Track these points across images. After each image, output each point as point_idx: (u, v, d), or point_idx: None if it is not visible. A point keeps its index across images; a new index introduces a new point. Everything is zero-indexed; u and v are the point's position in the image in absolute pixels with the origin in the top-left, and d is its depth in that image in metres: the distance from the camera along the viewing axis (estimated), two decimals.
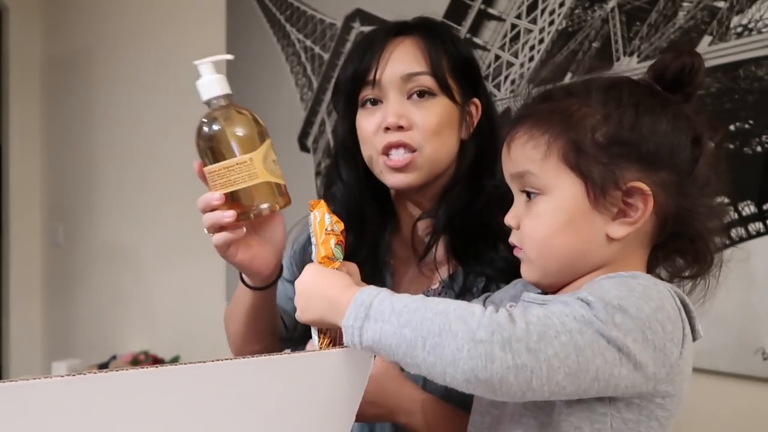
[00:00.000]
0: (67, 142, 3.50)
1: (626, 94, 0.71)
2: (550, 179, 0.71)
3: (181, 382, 0.56)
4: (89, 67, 3.35)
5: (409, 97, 0.98)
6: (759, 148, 1.41)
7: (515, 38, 1.78)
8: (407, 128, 0.97)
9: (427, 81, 0.98)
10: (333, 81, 1.13)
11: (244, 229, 0.90)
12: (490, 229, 0.98)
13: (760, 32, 1.42)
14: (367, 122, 1.00)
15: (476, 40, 1.85)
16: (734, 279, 1.44)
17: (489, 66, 1.83)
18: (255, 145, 0.86)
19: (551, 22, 1.72)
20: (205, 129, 0.87)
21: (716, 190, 0.73)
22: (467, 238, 1.00)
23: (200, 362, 0.56)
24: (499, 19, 1.82)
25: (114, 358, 2.94)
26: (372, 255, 1.04)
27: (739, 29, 1.44)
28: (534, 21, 1.75)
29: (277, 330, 1.08)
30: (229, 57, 0.98)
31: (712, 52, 1.48)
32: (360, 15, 2.16)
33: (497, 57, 1.82)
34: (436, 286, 1.03)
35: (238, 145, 0.86)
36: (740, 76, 1.44)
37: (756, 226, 1.43)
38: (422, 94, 0.98)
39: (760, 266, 1.42)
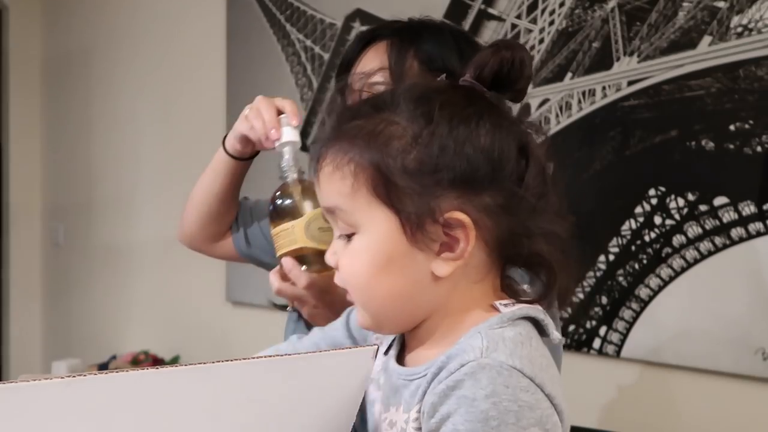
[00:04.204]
0: (67, 142, 3.50)
1: (437, 106, 0.62)
2: (362, 216, 0.63)
3: (181, 383, 0.56)
4: (89, 67, 3.34)
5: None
6: (759, 148, 1.41)
7: (515, 38, 1.78)
8: None
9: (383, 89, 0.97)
10: (333, 81, 1.15)
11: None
12: None
13: (760, 32, 1.42)
14: None
15: (476, 40, 1.85)
16: (734, 279, 1.45)
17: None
18: (300, 214, 0.92)
19: (551, 22, 1.72)
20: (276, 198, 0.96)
21: (552, 200, 0.65)
22: None
23: (201, 364, 0.56)
24: (499, 19, 1.82)
25: (114, 358, 2.94)
26: None
27: (739, 29, 1.44)
28: (534, 21, 1.75)
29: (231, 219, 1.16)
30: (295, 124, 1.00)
31: (712, 52, 1.48)
32: (360, 15, 2.16)
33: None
34: None
35: (288, 215, 0.93)
36: (740, 76, 1.44)
37: (756, 226, 1.43)
38: None
39: (760, 266, 1.42)
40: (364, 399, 0.71)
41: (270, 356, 0.61)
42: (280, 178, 0.95)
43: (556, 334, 0.65)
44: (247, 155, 1.06)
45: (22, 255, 3.66)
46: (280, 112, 0.98)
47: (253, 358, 0.60)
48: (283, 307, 1.14)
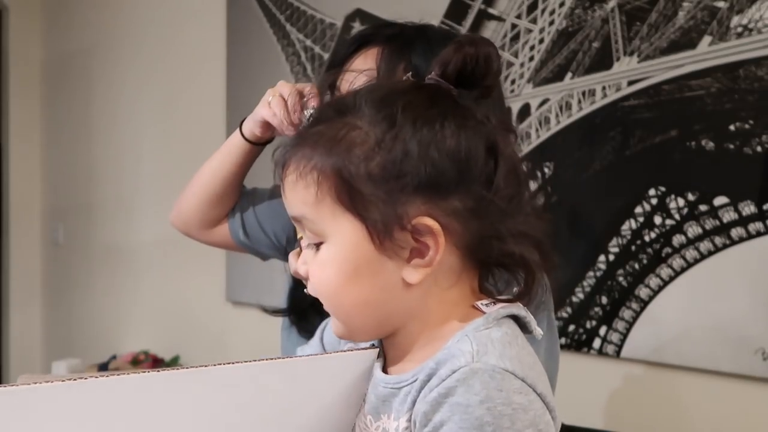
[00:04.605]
0: (67, 142, 3.50)
1: (400, 108, 0.60)
2: (327, 225, 0.61)
3: (182, 385, 0.56)
4: (89, 67, 3.35)
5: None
6: (759, 148, 1.41)
7: (515, 38, 1.78)
8: None
9: None
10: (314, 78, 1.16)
11: None
12: None
13: (760, 32, 1.42)
14: None
15: None
16: (734, 279, 1.45)
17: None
18: None
19: (551, 22, 1.72)
20: None
21: (523, 201, 0.63)
22: None
23: (201, 366, 0.56)
24: (499, 19, 1.82)
25: (114, 358, 2.94)
26: None
27: (739, 29, 1.44)
28: (534, 21, 1.75)
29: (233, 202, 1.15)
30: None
31: (712, 52, 1.48)
32: (360, 15, 2.16)
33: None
34: None
35: None
36: (740, 76, 1.44)
37: (756, 226, 1.43)
38: None
39: (760, 266, 1.42)
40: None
41: (270, 358, 0.61)
42: None
43: (538, 330, 0.65)
44: (264, 140, 1.07)
45: (22, 255, 3.66)
46: (301, 96, 0.98)
47: (254, 360, 0.60)
48: (275, 312, 1.15)
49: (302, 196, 0.62)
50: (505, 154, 0.62)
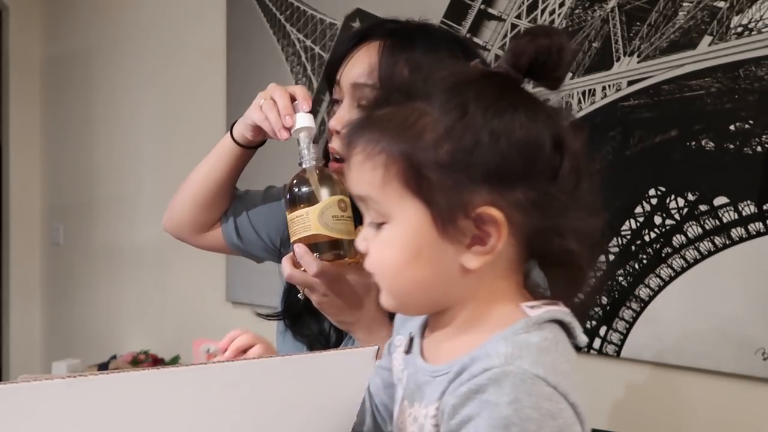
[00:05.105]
0: (67, 142, 3.50)
1: (472, 98, 0.61)
2: (393, 207, 0.62)
3: (181, 383, 0.56)
4: (89, 67, 3.34)
5: (357, 105, 0.98)
6: (759, 148, 1.41)
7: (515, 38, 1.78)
8: None
9: (369, 94, 0.95)
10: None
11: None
12: None
13: (760, 32, 1.42)
14: (329, 121, 1.03)
15: (476, 40, 1.85)
16: (734, 279, 1.45)
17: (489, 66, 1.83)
18: (317, 201, 0.91)
19: (551, 22, 1.72)
20: (294, 184, 0.95)
21: (584, 198, 0.64)
22: None
23: (202, 363, 0.56)
24: (499, 19, 1.82)
25: (114, 357, 2.94)
26: None
27: (739, 29, 1.44)
28: (534, 21, 1.75)
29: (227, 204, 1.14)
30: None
31: (712, 52, 1.48)
32: (360, 15, 2.16)
33: (497, 57, 1.82)
34: None
35: (304, 201, 0.92)
36: (740, 76, 1.44)
37: (756, 226, 1.43)
38: None
39: (760, 266, 1.42)
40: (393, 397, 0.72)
41: (270, 357, 0.61)
42: (299, 164, 0.95)
43: (582, 337, 0.65)
44: (255, 144, 1.06)
45: (22, 255, 3.66)
46: (293, 99, 0.98)
47: (253, 358, 0.60)
48: (269, 316, 1.14)
49: (369, 177, 0.63)
50: (570, 149, 0.62)
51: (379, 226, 0.64)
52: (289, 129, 0.95)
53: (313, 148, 0.94)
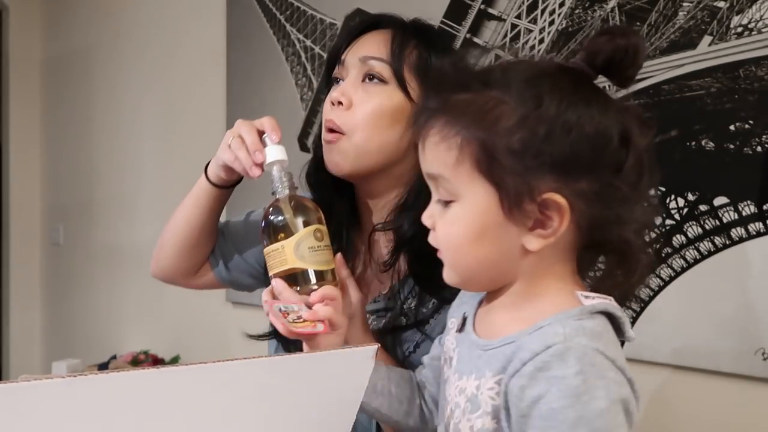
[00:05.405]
0: (67, 142, 3.50)
1: (547, 90, 0.65)
2: (463, 187, 0.67)
3: (182, 383, 0.56)
4: (89, 67, 3.35)
5: (363, 80, 0.99)
6: (759, 148, 1.41)
7: (515, 38, 1.78)
8: (346, 107, 0.98)
9: (380, 66, 0.97)
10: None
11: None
12: None
13: (760, 32, 1.42)
14: (326, 99, 1.02)
15: (476, 40, 1.85)
16: (734, 279, 1.45)
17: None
18: (292, 233, 0.89)
19: (551, 22, 1.72)
20: (268, 215, 0.93)
21: (644, 192, 0.68)
22: (429, 261, 0.99)
23: (201, 363, 0.56)
24: (499, 19, 1.82)
25: (114, 357, 2.94)
26: (333, 249, 1.04)
27: (739, 29, 1.44)
28: (534, 21, 1.75)
29: (211, 246, 1.12)
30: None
31: (712, 52, 1.48)
32: (360, 15, 2.16)
33: (497, 57, 1.82)
34: (386, 291, 1.03)
35: (280, 232, 0.90)
36: (740, 76, 1.44)
37: (756, 226, 1.43)
38: (372, 77, 0.98)
39: (760, 266, 1.42)
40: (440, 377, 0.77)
41: (270, 356, 0.61)
42: (272, 193, 0.93)
43: (631, 333, 0.69)
44: (232, 183, 1.04)
45: (22, 255, 3.66)
46: (261, 132, 0.95)
47: (253, 357, 0.60)
48: (260, 337, 1.13)
49: (443, 157, 0.67)
50: (635, 145, 0.66)
51: (447, 204, 0.68)
52: (260, 165, 0.93)
53: (286, 178, 0.92)
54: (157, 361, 2.84)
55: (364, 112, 0.97)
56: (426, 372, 0.87)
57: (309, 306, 0.85)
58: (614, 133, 0.65)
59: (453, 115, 0.67)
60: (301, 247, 0.88)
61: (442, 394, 0.76)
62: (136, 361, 2.80)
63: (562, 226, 0.65)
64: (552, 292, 0.68)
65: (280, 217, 0.90)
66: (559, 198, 0.64)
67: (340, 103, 0.98)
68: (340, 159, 0.98)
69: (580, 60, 0.68)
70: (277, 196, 0.92)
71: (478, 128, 0.65)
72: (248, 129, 0.95)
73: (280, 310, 0.82)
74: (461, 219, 0.67)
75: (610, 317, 0.67)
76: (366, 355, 0.66)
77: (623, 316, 0.68)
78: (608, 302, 0.67)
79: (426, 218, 0.72)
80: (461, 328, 0.76)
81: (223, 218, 1.14)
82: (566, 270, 0.69)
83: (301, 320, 0.82)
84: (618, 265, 0.70)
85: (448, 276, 0.72)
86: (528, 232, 0.66)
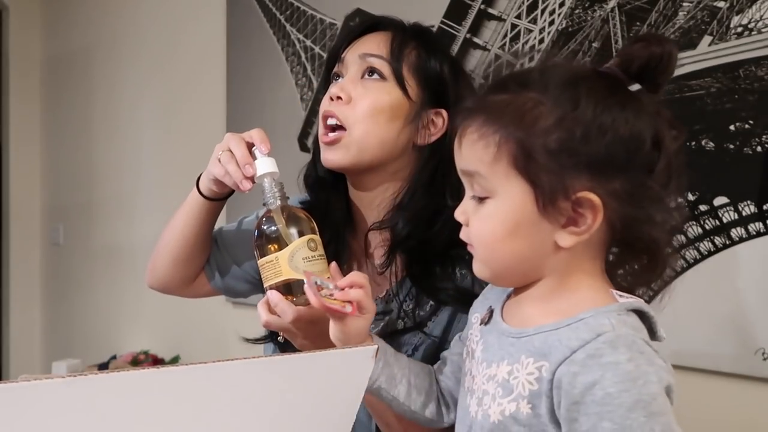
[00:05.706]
0: (67, 142, 3.50)
1: (584, 93, 0.67)
2: (499, 183, 0.69)
3: (182, 383, 0.56)
4: (89, 67, 3.35)
5: (362, 76, 0.99)
6: (759, 148, 1.41)
7: (515, 38, 1.78)
8: (346, 101, 0.98)
9: (379, 63, 0.99)
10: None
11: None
12: (448, 256, 0.97)
13: (760, 32, 1.42)
14: (325, 95, 1.02)
15: (476, 40, 1.85)
16: (734, 279, 1.45)
17: (489, 66, 1.83)
18: (285, 244, 0.89)
19: (551, 22, 1.72)
20: (261, 226, 0.93)
21: (674, 195, 0.71)
22: (425, 262, 0.99)
23: (201, 363, 0.56)
24: (499, 19, 1.82)
25: (114, 358, 2.94)
26: (330, 250, 1.02)
27: (739, 29, 1.44)
28: (534, 21, 1.75)
29: (206, 256, 1.12)
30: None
31: (712, 52, 1.48)
32: (360, 15, 2.16)
33: (497, 57, 1.82)
34: (383, 294, 1.02)
35: (273, 243, 0.90)
36: (740, 76, 1.44)
37: (756, 226, 1.43)
38: (372, 72, 0.99)
39: (760, 266, 1.42)
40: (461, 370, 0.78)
41: (269, 356, 0.61)
42: (263, 205, 0.93)
43: (662, 333, 0.72)
44: (224, 196, 1.03)
45: (22, 255, 3.66)
46: (251, 144, 0.95)
47: (253, 357, 0.60)
48: (257, 341, 1.13)
49: (480, 155, 0.69)
50: (666, 148, 0.68)
51: (481, 200, 0.70)
52: (251, 178, 0.93)
53: (277, 189, 0.91)
54: (157, 361, 2.84)
55: (364, 106, 0.97)
56: (445, 368, 0.88)
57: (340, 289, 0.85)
58: (647, 136, 0.67)
59: (491, 114, 0.69)
60: (296, 257, 0.88)
61: (462, 388, 0.78)
62: (136, 361, 2.80)
63: (595, 224, 0.67)
64: (584, 288, 0.70)
65: (273, 228, 0.90)
66: (593, 196, 0.66)
67: (339, 98, 0.98)
68: (341, 154, 0.98)
69: (615, 66, 0.70)
70: (270, 208, 0.92)
71: (517, 127, 0.67)
72: (237, 142, 0.95)
73: (315, 283, 0.82)
74: (496, 215, 0.69)
75: (642, 316, 0.70)
76: (366, 355, 0.66)
77: (655, 315, 0.71)
78: (642, 302, 0.70)
79: (459, 214, 0.74)
80: (488, 321, 0.78)
81: (217, 225, 1.14)
82: (596, 267, 0.72)
83: (333, 298, 0.82)
84: (645, 264, 0.73)
85: (480, 270, 0.74)
86: (561, 229, 0.68)
